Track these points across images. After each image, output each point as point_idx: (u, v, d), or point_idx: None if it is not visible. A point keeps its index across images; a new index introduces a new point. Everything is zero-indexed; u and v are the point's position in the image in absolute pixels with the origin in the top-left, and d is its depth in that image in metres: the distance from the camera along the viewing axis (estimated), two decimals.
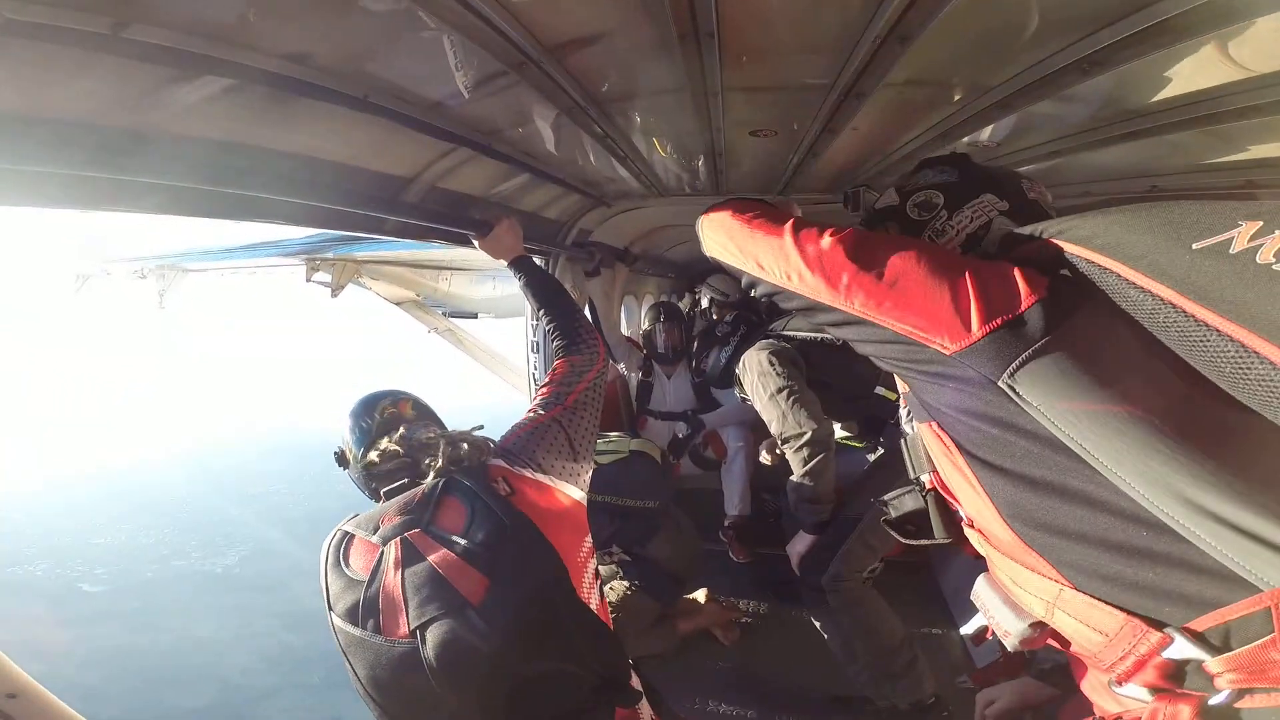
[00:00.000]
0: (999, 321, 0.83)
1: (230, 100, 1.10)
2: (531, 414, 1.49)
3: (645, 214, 3.08)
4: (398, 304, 4.48)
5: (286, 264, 4.41)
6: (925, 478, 1.24)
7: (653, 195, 2.75)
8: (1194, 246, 0.71)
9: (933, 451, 1.04)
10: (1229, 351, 0.68)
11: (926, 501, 1.30)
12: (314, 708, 6.39)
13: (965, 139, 1.86)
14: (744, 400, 2.64)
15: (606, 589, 2.65)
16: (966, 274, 0.87)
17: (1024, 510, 0.84)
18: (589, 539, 1.34)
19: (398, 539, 1.18)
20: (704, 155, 2.14)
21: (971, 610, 2.69)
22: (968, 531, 1.05)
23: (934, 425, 0.97)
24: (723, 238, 1.17)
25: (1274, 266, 0.65)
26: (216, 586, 10.40)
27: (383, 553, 1.18)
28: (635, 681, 1.24)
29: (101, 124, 1.01)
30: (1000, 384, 0.82)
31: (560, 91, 1.42)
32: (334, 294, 4.59)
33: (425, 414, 1.53)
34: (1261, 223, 0.68)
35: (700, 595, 3.02)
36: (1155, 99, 1.43)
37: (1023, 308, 0.83)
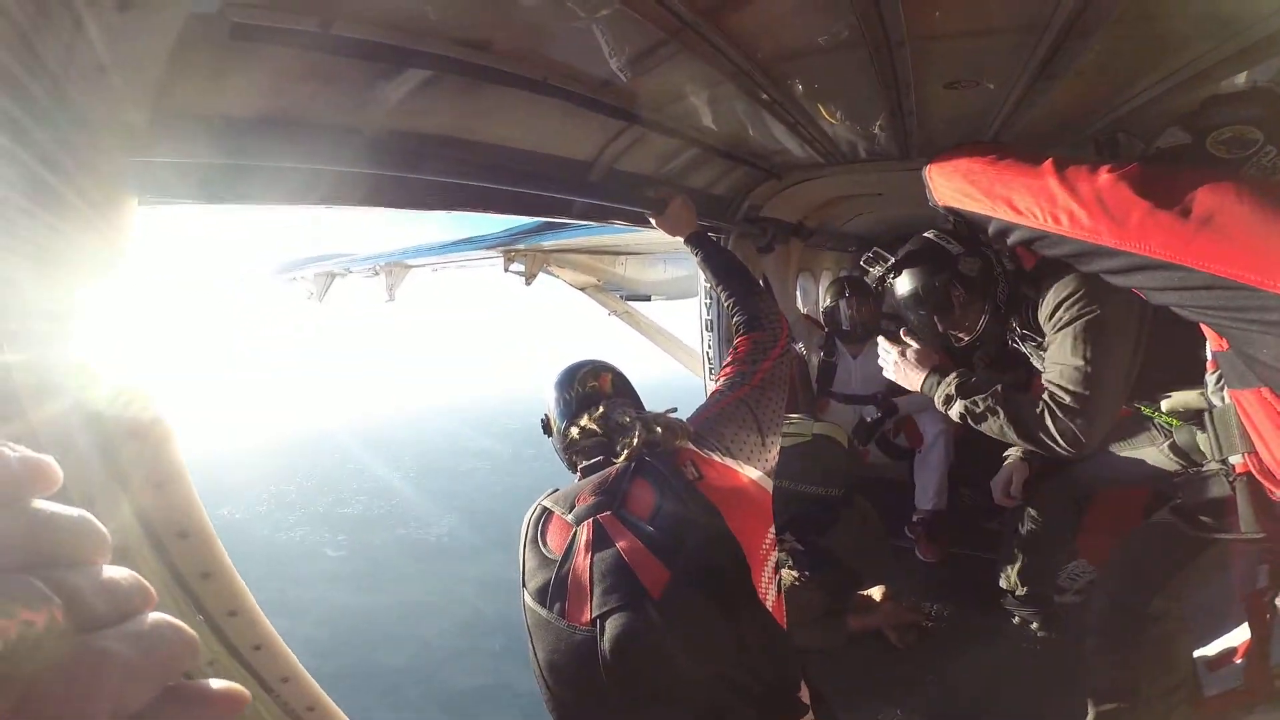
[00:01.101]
0: None
1: (431, 93, 1.22)
2: (718, 394, 1.49)
3: (819, 185, 2.92)
4: (581, 289, 4.83)
5: (487, 257, 4.98)
6: (1236, 459, 1.08)
7: (827, 165, 2.60)
8: None
9: (1260, 424, 0.88)
10: None
11: (1235, 488, 1.14)
12: (491, 671, 7.08)
13: (1223, 82, 1.50)
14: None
15: None
16: None
17: None
18: (772, 529, 1.29)
19: (590, 520, 1.18)
20: (887, 115, 1.96)
21: (1214, 631, 2.21)
22: None
23: (1265, 392, 0.83)
24: (960, 183, 1.07)
25: None
26: (429, 554, 11.85)
27: (575, 533, 1.18)
28: (804, 693, 1.18)
29: (323, 122, 1.16)
30: None
31: (721, 57, 1.38)
32: (528, 282, 5.07)
33: (624, 389, 1.55)
34: None
35: (876, 593, 2.82)
36: None
37: None
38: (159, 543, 0.94)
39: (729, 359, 1.59)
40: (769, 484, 1.37)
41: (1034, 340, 2.08)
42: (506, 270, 5.00)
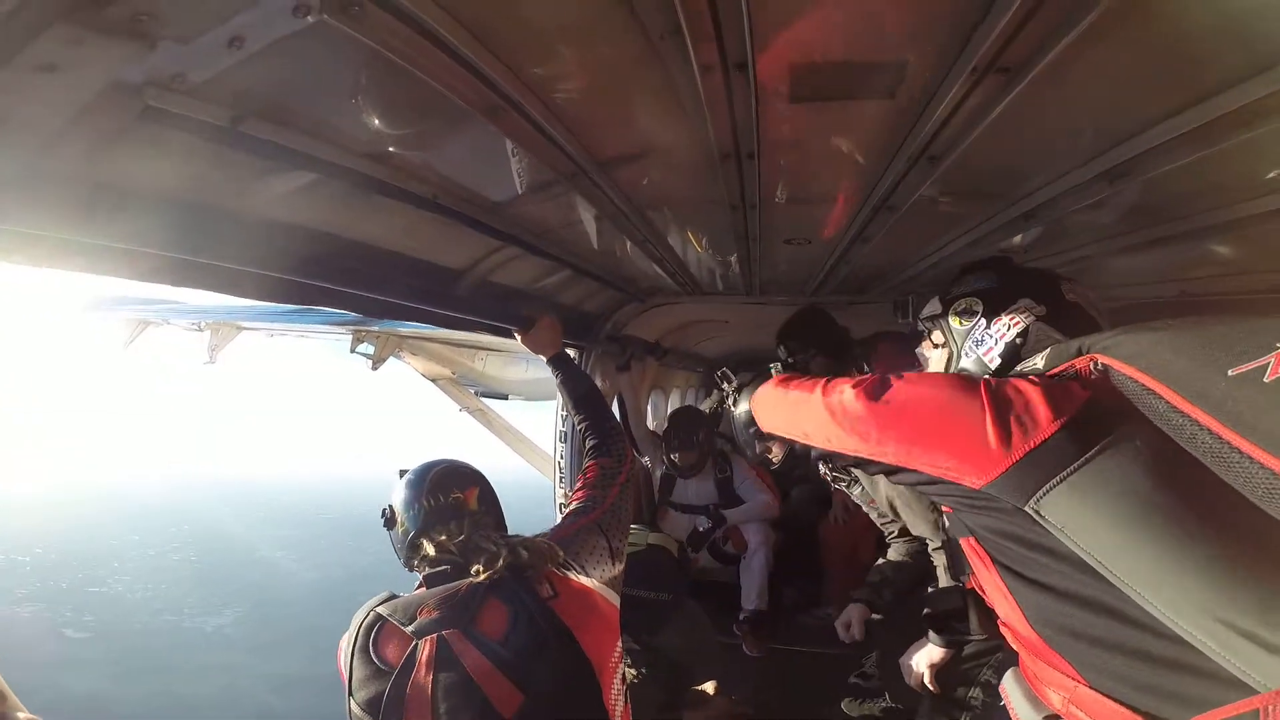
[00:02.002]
0: (1021, 454, 0.87)
1: (316, 192, 1.22)
2: (573, 515, 1.52)
3: (677, 310, 3.20)
4: (433, 380, 4.61)
5: (334, 332, 4.63)
6: (964, 579, 1.27)
7: (685, 293, 2.87)
8: (1230, 374, 0.74)
9: (971, 562, 1.07)
10: (1262, 477, 0.70)
11: (967, 601, 1.36)
12: None
13: (997, 246, 1.93)
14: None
15: None
16: (986, 409, 0.91)
17: (1048, 616, 0.88)
18: (620, 643, 1.32)
19: (434, 636, 1.15)
20: (737, 259, 2.24)
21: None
22: (1002, 629, 1.07)
23: (972, 541, 1.01)
24: (771, 413, 1.25)
25: None
26: (204, 644, 10.29)
27: (415, 647, 1.15)
28: None
29: (203, 205, 1.13)
30: (1027, 509, 0.86)
31: (606, 200, 1.54)
32: (374, 366, 4.74)
33: (489, 506, 1.47)
34: None
35: (709, 687, 2.96)
36: (1183, 206, 1.50)
37: (1046, 435, 0.86)
38: None
39: (580, 483, 1.63)
40: (617, 597, 1.41)
41: (843, 479, 2.51)
42: (353, 350, 4.63)
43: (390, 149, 1.20)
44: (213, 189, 1.12)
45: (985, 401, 0.91)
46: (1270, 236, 1.56)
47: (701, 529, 3.82)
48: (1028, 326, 1.14)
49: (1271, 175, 1.26)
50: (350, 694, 1.15)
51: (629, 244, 2.04)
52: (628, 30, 0.90)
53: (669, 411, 4.74)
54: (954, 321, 1.25)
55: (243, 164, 1.08)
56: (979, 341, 1.19)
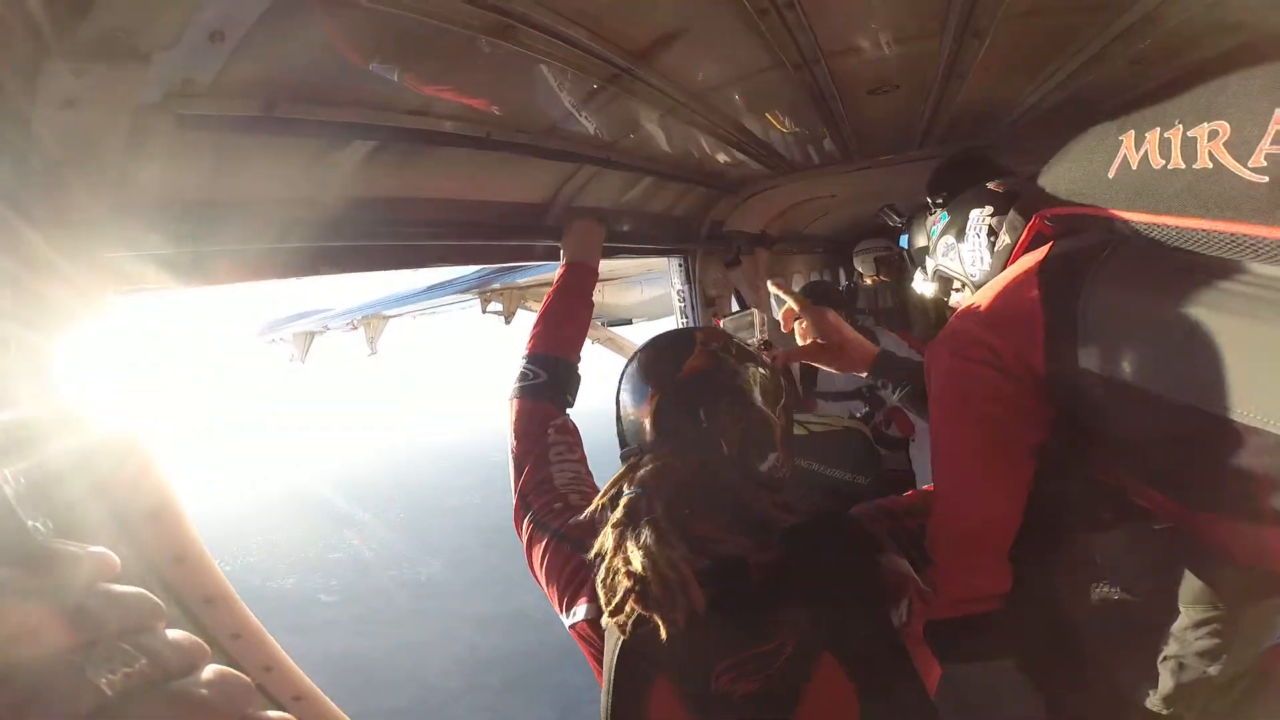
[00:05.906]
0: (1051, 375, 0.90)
1: (378, 160, 1.29)
2: None
3: (775, 195, 3.03)
4: None
5: (463, 300, 5.07)
6: None
7: (778, 175, 2.70)
8: (1109, 176, 0.80)
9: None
10: (1205, 239, 0.72)
11: None
12: (493, 708, 7.01)
13: (1123, 59, 1.61)
14: None
15: None
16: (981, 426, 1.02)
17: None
18: None
19: None
20: (823, 123, 2.07)
21: None
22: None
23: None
24: None
25: (1167, 166, 0.73)
26: (422, 592, 11.82)
27: None
28: None
29: (279, 198, 1.22)
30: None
31: (658, 94, 1.48)
32: (508, 320, 5.13)
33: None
34: (1133, 131, 0.78)
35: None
36: None
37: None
38: (158, 571, 0.94)
39: None
40: None
41: None
42: (485, 311, 5.07)
43: (427, 100, 1.22)
44: (282, 177, 1.20)
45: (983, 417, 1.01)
46: None
47: (858, 415, 3.44)
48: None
49: None
50: None
51: (702, 136, 1.95)
52: None
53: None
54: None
55: (299, 147, 1.15)
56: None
